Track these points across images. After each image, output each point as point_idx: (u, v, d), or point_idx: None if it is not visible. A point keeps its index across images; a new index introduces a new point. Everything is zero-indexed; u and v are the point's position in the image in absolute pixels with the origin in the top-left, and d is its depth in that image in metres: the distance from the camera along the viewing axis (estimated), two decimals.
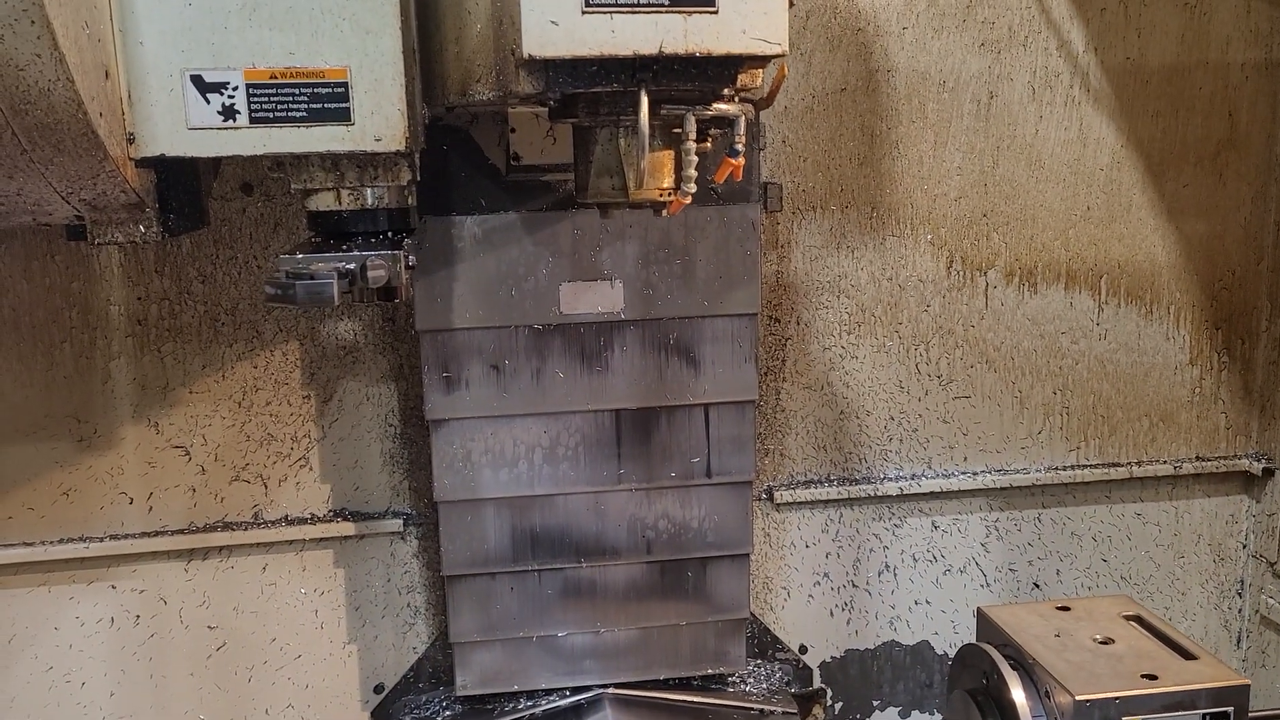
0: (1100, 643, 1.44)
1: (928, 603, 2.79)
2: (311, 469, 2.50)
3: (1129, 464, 2.78)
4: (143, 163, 1.44)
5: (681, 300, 2.32)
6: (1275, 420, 2.77)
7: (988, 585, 2.78)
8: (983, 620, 1.52)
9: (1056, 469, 2.75)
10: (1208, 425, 2.81)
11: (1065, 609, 1.54)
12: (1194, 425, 2.81)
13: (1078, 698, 1.27)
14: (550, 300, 2.27)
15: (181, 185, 1.62)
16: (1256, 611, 2.85)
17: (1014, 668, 1.39)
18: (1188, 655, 1.39)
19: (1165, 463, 2.79)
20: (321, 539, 2.50)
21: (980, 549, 2.78)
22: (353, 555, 2.54)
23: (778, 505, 2.68)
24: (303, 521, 2.50)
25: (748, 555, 2.49)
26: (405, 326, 2.45)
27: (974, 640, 1.50)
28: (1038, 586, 2.79)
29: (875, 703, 2.82)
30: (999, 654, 1.42)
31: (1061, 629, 1.46)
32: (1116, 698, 1.30)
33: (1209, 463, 2.80)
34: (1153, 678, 1.33)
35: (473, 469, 2.32)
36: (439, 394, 2.28)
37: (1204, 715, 1.32)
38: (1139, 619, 1.51)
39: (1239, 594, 2.90)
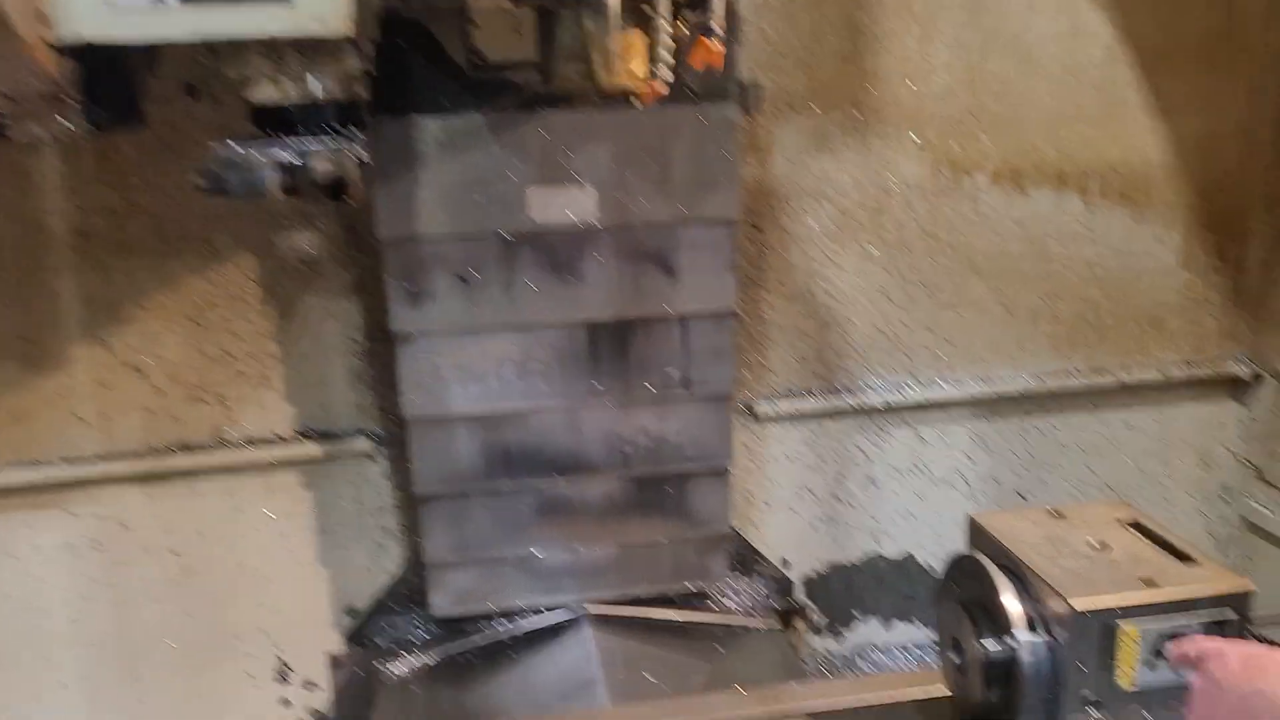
0: (1096, 548, 1.37)
1: (912, 515, 2.74)
2: (274, 388, 2.40)
3: (1117, 371, 2.72)
4: (63, 50, 1.31)
5: (657, 206, 2.21)
6: (1265, 324, 2.70)
7: (973, 496, 2.73)
8: (974, 528, 1.45)
9: (1044, 377, 2.69)
10: (1198, 330, 2.75)
11: (1060, 515, 1.47)
12: (1184, 331, 2.74)
13: (1074, 605, 1.20)
14: (519, 206, 2.16)
15: (111, 78, 1.49)
16: (1242, 517, 2.82)
17: (1007, 575, 1.33)
18: (1187, 559, 1.33)
19: (1154, 369, 2.73)
20: (287, 460, 2.42)
21: (965, 460, 2.73)
22: (321, 477, 2.46)
23: (759, 418, 2.61)
24: (267, 443, 2.41)
25: (728, 470, 2.42)
26: (367, 238, 2.33)
27: (962, 550, 1.43)
28: (1022, 497, 2.75)
29: (857, 614, 2.79)
30: (991, 562, 1.35)
31: (1056, 535, 1.39)
32: (1113, 605, 1.23)
33: (1198, 368, 2.75)
34: (1151, 583, 1.27)
35: (442, 385, 2.22)
36: (404, 307, 2.17)
37: (1203, 622, 1.26)
38: (1136, 524, 1.45)
39: (1225, 500, 2.87)
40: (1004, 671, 1.33)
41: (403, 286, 2.16)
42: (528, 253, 2.20)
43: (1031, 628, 1.31)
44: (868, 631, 2.80)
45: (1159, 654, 1.29)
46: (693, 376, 2.34)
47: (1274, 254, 2.64)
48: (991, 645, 1.33)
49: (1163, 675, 1.29)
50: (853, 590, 2.77)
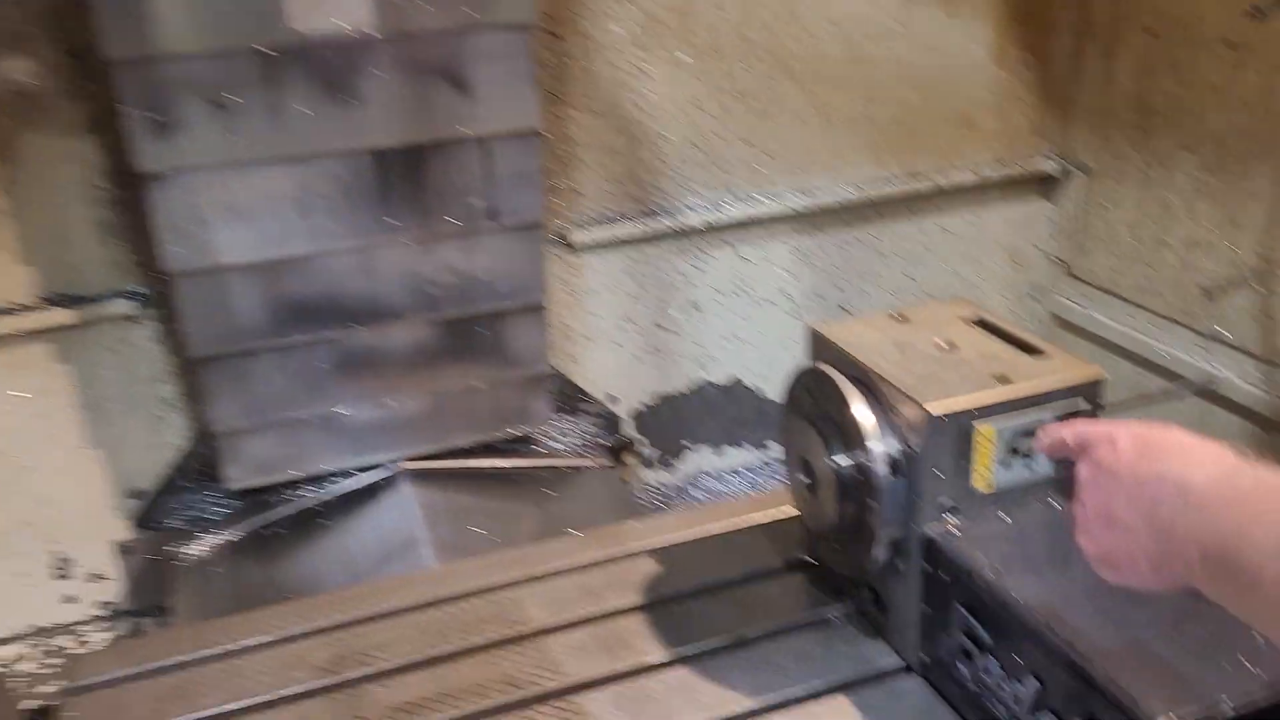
0: (944, 349, 1.28)
1: (737, 338, 2.65)
2: (5, 249, 2.04)
3: (934, 175, 2.66)
4: None
5: (440, 8, 1.93)
6: (1073, 118, 2.68)
7: (797, 314, 2.67)
8: (816, 339, 1.33)
9: (863, 186, 2.60)
10: (1009, 129, 2.71)
11: (904, 319, 1.37)
12: (996, 130, 2.70)
13: (929, 409, 1.09)
14: (276, 14, 1.84)
15: None
16: (1052, 314, 2.87)
17: (856, 385, 1.21)
18: (1035, 352, 1.25)
19: (968, 171, 2.68)
20: (33, 331, 2.08)
21: (788, 277, 2.64)
22: (77, 347, 2.14)
23: (573, 248, 2.43)
24: (5, 314, 2.06)
25: (543, 305, 2.24)
26: (99, 65, 1.96)
27: (804, 364, 1.31)
28: (846, 311, 2.70)
29: (688, 443, 2.71)
30: (837, 372, 1.23)
31: (902, 340, 1.28)
32: (969, 406, 1.14)
33: (1009, 167, 2.72)
34: (1004, 380, 1.18)
35: (207, 230, 1.93)
36: (150, 141, 1.85)
37: (1058, 415, 1.19)
38: (980, 321, 1.37)
39: (1035, 299, 2.91)
40: (858, 486, 1.23)
41: (145, 117, 1.83)
42: (294, 70, 1.90)
43: (884, 438, 1.22)
44: (699, 460, 2.74)
45: (1015, 452, 1.23)
46: (498, 205, 2.13)
47: (1079, 45, 2.60)
48: (843, 460, 1.23)
49: (1018, 473, 1.23)
50: (682, 420, 2.69)
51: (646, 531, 1.60)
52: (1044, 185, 2.78)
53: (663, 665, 1.33)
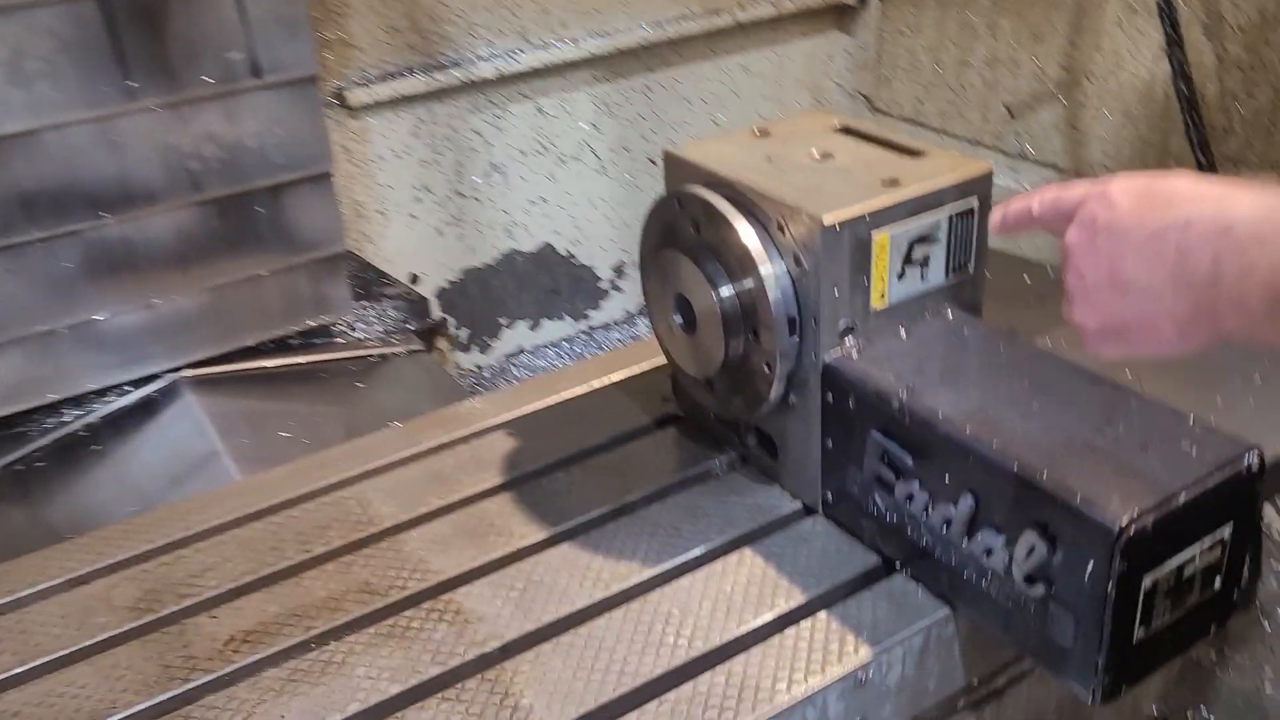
0: (820, 159, 1.14)
1: (544, 200, 2.46)
2: None
3: (733, 10, 2.51)
4: None
5: None
6: None
7: (604, 170, 2.50)
8: (673, 165, 1.18)
9: (662, 25, 2.43)
10: None
11: (764, 133, 1.23)
12: None
13: (824, 220, 0.95)
14: None
15: None
16: None
17: (733, 204, 1.06)
18: (915, 154, 1.14)
19: (767, 3, 2.55)
20: None
21: (591, 130, 2.45)
22: None
23: (353, 110, 2.15)
24: None
25: (329, 175, 1.97)
26: None
27: (668, 193, 1.15)
28: (654, 163, 2.55)
29: (502, 320, 2.52)
30: (711, 192, 1.08)
31: (771, 154, 1.15)
32: (862, 213, 1.01)
33: None
34: (894, 183, 1.06)
35: None
36: None
37: (950, 216, 1.09)
38: (847, 129, 1.24)
39: None
40: (747, 318, 1.09)
41: None
42: None
43: (772, 260, 1.08)
44: (515, 337, 2.56)
45: (909, 261, 1.12)
46: (261, 59, 1.82)
47: None
48: (728, 291, 1.09)
49: (911, 285, 1.13)
50: (492, 295, 2.49)
51: (493, 407, 1.42)
52: (841, 16, 2.69)
53: (541, 545, 1.17)
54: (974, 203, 1.12)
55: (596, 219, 2.49)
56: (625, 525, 1.19)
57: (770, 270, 1.07)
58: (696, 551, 1.14)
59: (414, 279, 2.37)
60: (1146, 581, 0.88)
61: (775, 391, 1.11)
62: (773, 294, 1.06)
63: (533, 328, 2.55)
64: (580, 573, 1.12)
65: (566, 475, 1.27)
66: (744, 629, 1.04)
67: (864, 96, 2.72)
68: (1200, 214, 0.63)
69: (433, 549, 1.17)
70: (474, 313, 2.47)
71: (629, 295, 2.60)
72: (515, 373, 2.51)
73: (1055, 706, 1.26)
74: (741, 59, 2.58)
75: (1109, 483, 0.88)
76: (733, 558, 1.13)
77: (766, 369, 1.10)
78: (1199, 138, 1.64)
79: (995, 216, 0.86)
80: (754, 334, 1.10)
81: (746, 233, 1.08)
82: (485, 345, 2.51)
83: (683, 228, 1.15)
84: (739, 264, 1.09)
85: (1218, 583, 0.95)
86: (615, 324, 2.63)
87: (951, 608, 1.05)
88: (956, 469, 0.97)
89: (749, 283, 1.08)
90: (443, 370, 2.34)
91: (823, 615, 1.05)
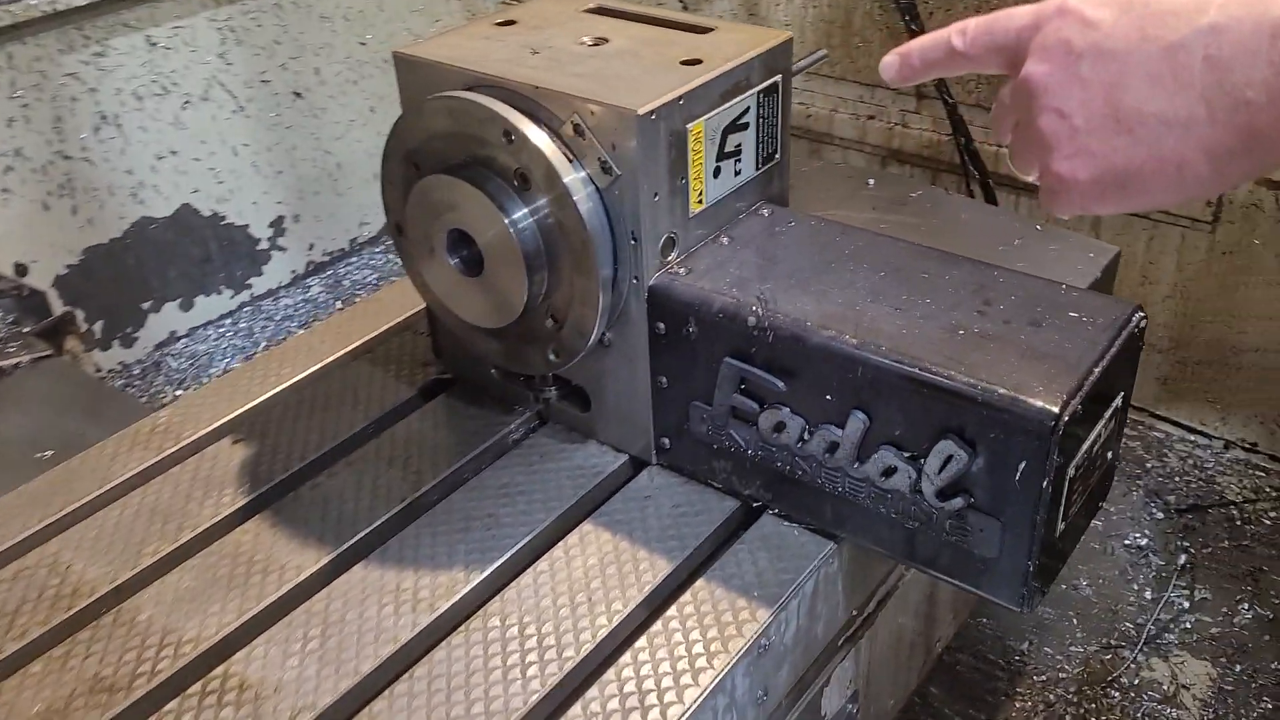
0: (595, 44, 0.94)
1: (173, 153, 2.05)
2: None
3: None
4: None
5: None
6: None
7: (242, 109, 2.12)
8: (409, 69, 0.94)
9: None
10: None
11: (509, 23, 1.01)
12: None
13: (638, 110, 0.77)
14: None
15: None
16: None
17: (512, 107, 0.85)
18: (702, 29, 0.97)
19: None
20: None
21: (220, 64, 2.07)
22: None
23: None
24: None
25: None
26: None
27: (411, 106, 0.92)
28: (299, 96, 2.20)
29: (144, 305, 2.10)
30: (479, 95, 0.86)
31: (530, 44, 0.93)
32: (673, 97, 0.84)
33: None
34: (694, 61, 0.89)
35: None
36: None
37: (758, 96, 0.93)
38: (603, 9, 1.05)
39: None
40: (552, 244, 0.88)
41: None
42: None
43: (574, 167, 0.87)
44: (164, 321, 2.14)
45: (723, 153, 0.96)
46: None
47: None
48: (521, 214, 0.87)
49: (725, 182, 0.96)
50: (127, 275, 2.06)
51: (204, 409, 1.11)
52: None
53: (327, 574, 0.91)
54: (779, 79, 0.97)
55: (242, 169, 2.11)
56: (427, 525, 0.95)
57: (575, 177, 0.86)
58: (526, 539, 0.93)
59: (20, 269, 1.89)
60: (1071, 469, 0.79)
61: (598, 330, 0.91)
62: (584, 207, 0.86)
63: (184, 307, 2.15)
64: (390, 598, 0.88)
65: (331, 478, 1.01)
66: (616, 621, 0.86)
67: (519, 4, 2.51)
68: (1230, 17, 0.51)
69: (178, 611, 0.88)
70: (107, 300, 2.03)
71: (294, 254, 2.26)
72: (173, 365, 2.10)
73: (917, 622, 1.19)
74: None
75: (1023, 370, 0.78)
76: (572, 538, 0.93)
77: (582, 305, 0.90)
78: None
79: (891, 61, 0.67)
80: (563, 260, 0.90)
81: (538, 137, 0.86)
82: (128, 337, 2.08)
83: (446, 146, 0.91)
84: (534, 178, 0.87)
85: (1110, 455, 0.89)
86: (283, 289, 2.27)
87: (835, 541, 0.92)
88: (840, 385, 0.83)
89: (549, 200, 0.87)
90: (81, 374, 1.91)
91: (700, 584, 0.88)
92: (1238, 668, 1.52)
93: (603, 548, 0.92)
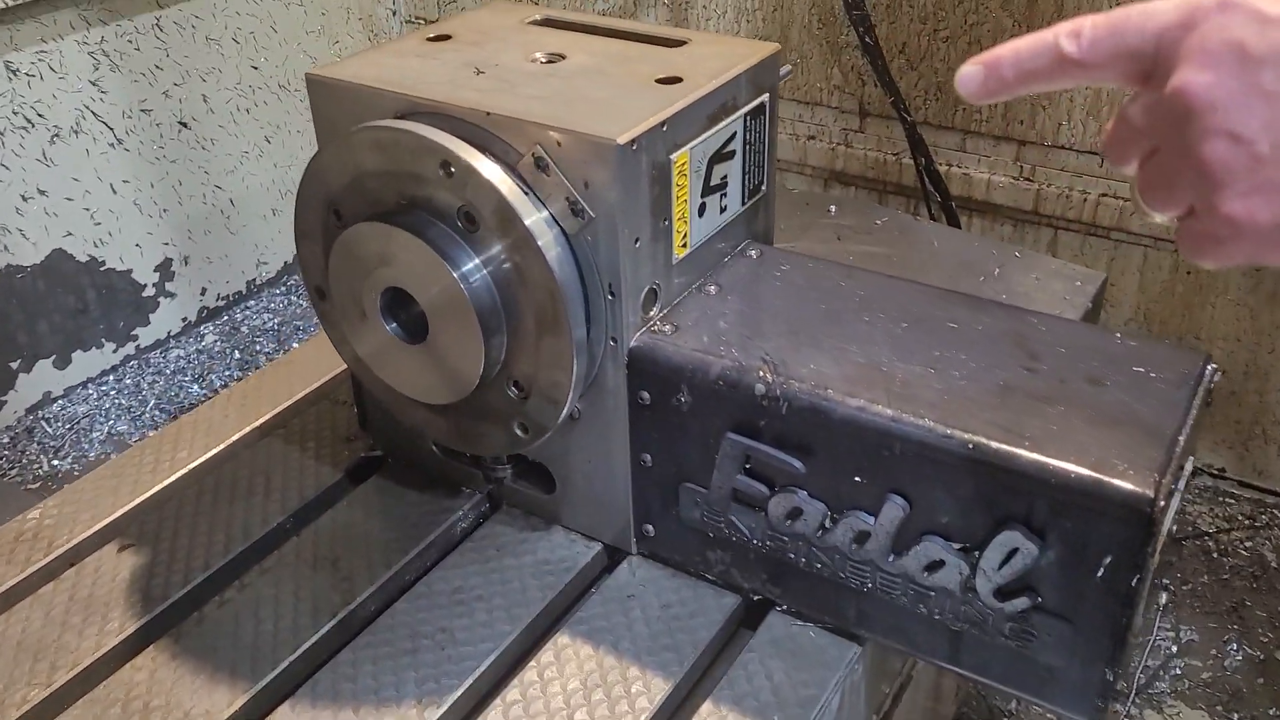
0: (550, 61, 0.79)
1: (41, 193, 1.82)
2: None
3: None
4: None
5: None
6: None
7: (120, 142, 1.90)
8: (326, 95, 0.77)
9: None
10: None
11: (441, 38, 0.85)
12: None
13: (617, 140, 0.62)
14: None
15: None
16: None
17: (458, 137, 0.69)
18: (675, 42, 0.82)
19: None
20: None
21: (94, 92, 1.84)
22: None
23: None
24: None
25: None
26: None
27: (328, 146, 0.75)
28: (185, 126, 1.99)
29: (13, 363, 1.86)
30: (415, 125, 0.70)
31: (473, 62, 0.78)
32: (657, 122, 0.69)
33: None
34: (674, 80, 0.74)
35: None
36: None
37: (745, 119, 0.79)
38: (549, 20, 0.89)
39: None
40: (510, 301, 0.72)
41: None
42: None
43: (538, 206, 0.71)
44: (37, 381, 1.90)
45: (708, 187, 0.81)
46: None
47: None
48: (472, 266, 0.71)
49: (710, 221, 0.82)
50: None
51: (84, 508, 0.92)
52: None
53: (253, 699, 0.73)
54: (766, 98, 0.83)
55: (123, 208, 1.89)
56: (366, 648, 0.78)
57: (538, 219, 0.70)
58: (489, 659, 0.77)
59: None
60: (1155, 558, 0.66)
61: (571, 401, 0.75)
62: (550, 254, 0.70)
63: (59, 365, 1.91)
64: None
65: (243, 591, 0.83)
66: None
67: (425, 22, 2.34)
68: None
69: None
70: None
71: (184, 300, 2.03)
72: (48, 430, 1.86)
73: (929, 703, 1.05)
74: None
75: (1099, 441, 0.65)
76: (546, 655, 0.77)
77: (552, 373, 0.74)
78: (856, 6, 1.47)
79: (972, 72, 0.50)
80: (523, 324, 0.74)
81: (492, 172, 0.70)
82: None
83: (379, 186, 0.74)
84: (488, 222, 0.71)
85: (1174, 528, 0.76)
86: (174, 338, 2.05)
87: (858, 642, 0.78)
88: (871, 464, 0.69)
89: (505, 247, 0.71)
90: None
91: (708, 708, 0.73)
92: (1235, 716, 1.43)
93: (584, 666, 0.76)
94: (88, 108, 1.83)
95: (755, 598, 0.81)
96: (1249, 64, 0.43)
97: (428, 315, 0.74)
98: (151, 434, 1.14)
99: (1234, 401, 1.71)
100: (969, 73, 0.52)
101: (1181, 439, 0.65)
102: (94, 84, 1.83)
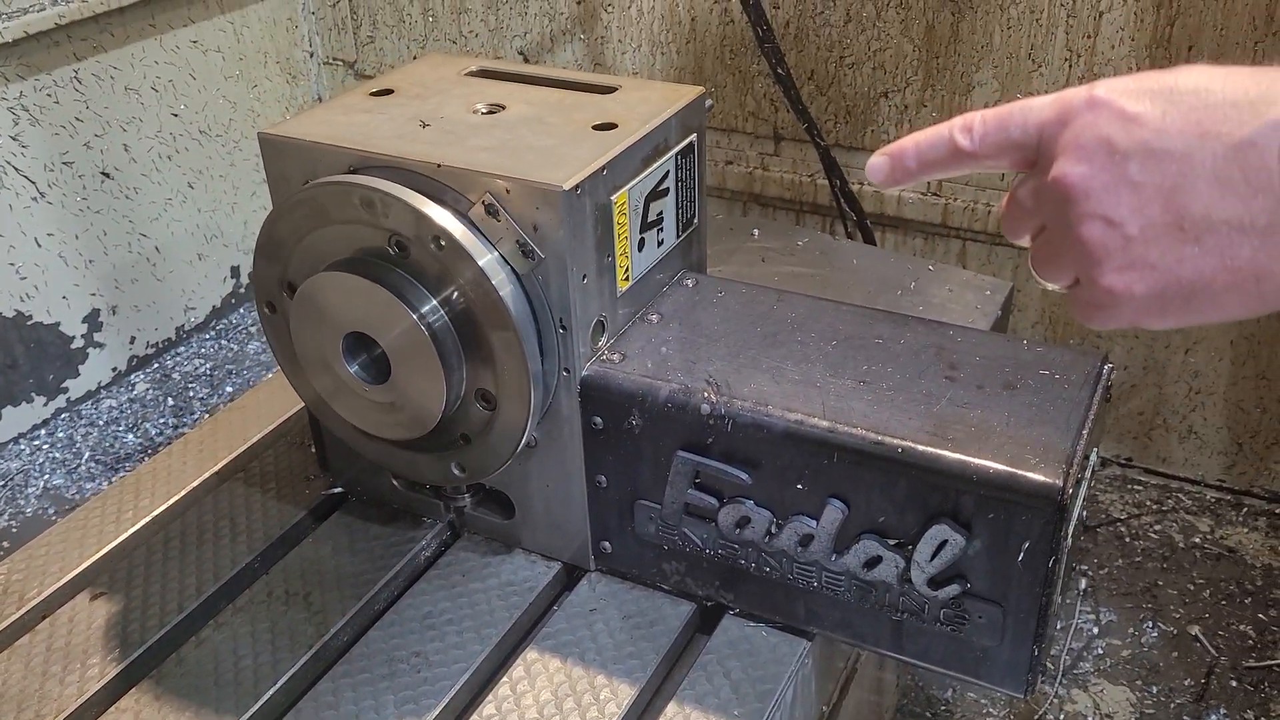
0: (491, 112, 0.85)
1: None
2: None
3: None
4: None
5: None
6: None
7: (42, 195, 1.89)
8: (278, 154, 0.81)
9: None
10: None
11: (384, 92, 0.90)
12: None
13: (563, 185, 0.68)
14: None
15: None
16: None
17: (410, 188, 0.74)
18: (606, 89, 0.88)
19: None
20: None
21: (14, 146, 1.84)
22: None
23: None
24: None
25: None
26: None
27: (283, 207, 0.80)
28: (108, 176, 1.99)
29: None
30: (369, 179, 0.75)
31: (418, 115, 0.83)
32: (597, 167, 0.75)
33: None
34: (608, 125, 0.80)
35: None
36: None
37: (676, 159, 0.86)
38: (485, 71, 0.95)
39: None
40: (468, 339, 0.77)
41: None
42: None
43: (488, 248, 0.76)
44: None
45: (646, 224, 0.87)
46: None
47: None
48: (430, 308, 0.76)
49: (649, 255, 0.88)
50: None
51: (50, 560, 0.94)
52: None
53: None
54: (695, 137, 0.89)
55: (48, 261, 1.88)
56: (345, 675, 0.82)
57: (491, 259, 0.76)
58: (463, 678, 0.81)
59: None
60: (1068, 541, 0.74)
61: (529, 432, 0.80)
62: (504, 292, 0.75)
63: None
64: None
65: (219, 630, 0.86)
66: None
67: (344, 63, 2.37)
68: (1244, 131, 0.46)
69: None
70: None
71: (114, 349, 2.03)
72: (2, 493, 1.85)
73: (873, 697, 1.12)
74: (192, 32, 2.09)
75: (1013, 440, 0.72)
76: (517, 670, 0.82)
77: (510, 406, 0.79)
78: (767, 39, 1.56)
79: (879, 164, 0.59)
80: (481, 355, 0.78)
81: (445, 219, 0.75)
82: None
83: (339, 238, 0.79)
84: (443, 265, 0.76)
85: (1084, 514, 0.84)
86: (105, 389, 2.04)
87: (807, 638, 0.84)
88: (812, 472, 0.75)
89: (461, 287, 0.76)
90: None
91: (673, 709, 0.78)
92: (1154, 689, 1.53)
93: (554, 678, 0.81)
94: (9, 163, 1.83)
95: (710, 603, 0.86)
96: (1116, 157, 0.50)
97: (389, 356, 0.79)
98: (107, 485, 1.15)
99: (1136, 395, 1.83)
100: (877, 164, 0.60)
101: (1085, 433, 0.73)
102: (14, 139, 1.83)
